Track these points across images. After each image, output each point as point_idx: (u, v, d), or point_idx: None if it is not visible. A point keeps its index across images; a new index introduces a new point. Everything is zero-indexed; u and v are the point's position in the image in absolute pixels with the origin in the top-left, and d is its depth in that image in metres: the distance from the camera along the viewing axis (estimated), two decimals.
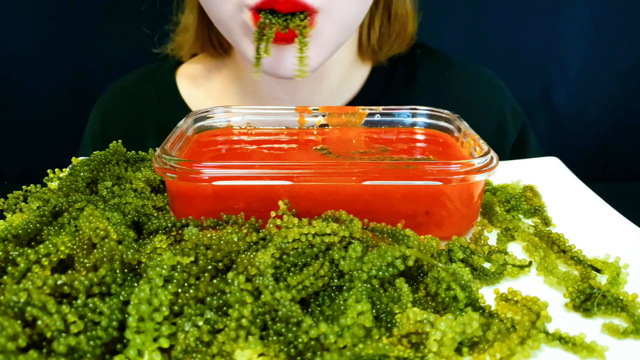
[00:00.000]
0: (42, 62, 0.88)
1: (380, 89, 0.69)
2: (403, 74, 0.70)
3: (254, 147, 0.47)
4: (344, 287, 0.31)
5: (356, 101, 0.68)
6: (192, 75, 0.71)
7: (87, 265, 0.30)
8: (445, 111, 0.49)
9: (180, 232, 0.36)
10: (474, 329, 0.28)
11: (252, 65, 0.53)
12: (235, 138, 0.49)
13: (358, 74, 0.69)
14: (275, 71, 0.54)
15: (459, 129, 0.47)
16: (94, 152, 0.45)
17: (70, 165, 0.46)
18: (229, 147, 0.48)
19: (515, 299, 0.32)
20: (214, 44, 0.67)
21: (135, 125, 0.71)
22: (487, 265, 0.37)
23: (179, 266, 0.30)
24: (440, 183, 0.37)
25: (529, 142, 0.74)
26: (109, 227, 0.33)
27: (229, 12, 0.52)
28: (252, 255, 0.31)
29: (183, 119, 0.47)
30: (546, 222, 0.43)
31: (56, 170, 0.46)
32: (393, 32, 0.66)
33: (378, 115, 0.50)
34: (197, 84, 0.70)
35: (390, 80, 0.69)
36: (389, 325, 0.30)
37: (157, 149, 0.41)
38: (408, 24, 0.67)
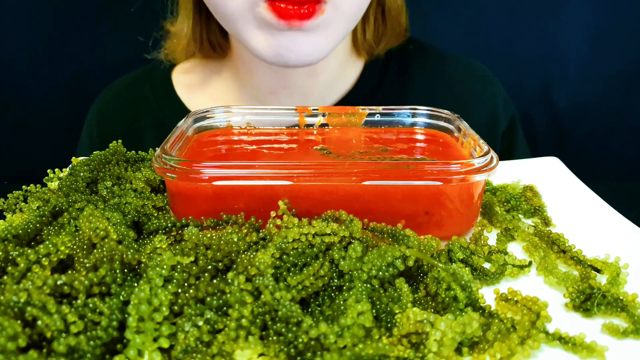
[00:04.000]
0: (42, 62, 0.88)
1: (375, 83, 0.70)
2: (396, 68, 0.71)
3: (254, 147, 0.47)
4: (344, 287, 0.31)
5: (351, 95, 0.69)
6: (188, 74, 0.71)
7: (87, 265, 0.30)
8: (445, 111, 0.49)
9: (180, 232, 0.36)
10: (474, 329, 0.28)
11: (255, 58, 0.53)
12: (235, 138, 0.49)
13: (352, 68, 0.70)
14: (285, 59, 0.54)
15: (459, 129, 0.47)
16: (94, 152, 0.45)
17: (70, 165, 0.46)
18: (229, 147, 0.48)
19: (515, 299, 0.32)
20: (213, 46, 0.67)
21: (132, 125, 0.71)
22: (487, 265, 0.37)
23: (179, 266, 0.30)
24: (440, 183, 0.37)
25: (517, 134, 0.75)
26: (109, 227, 0.33)
27: (240, 6, 0.53)
28: (252, 255, 0.31)
29: (183, 119, 0.47)
30: (546, 222, 0.43)
31: (56, 170, 0.46)
32: (389, 27, 0.67)
33: (378, 115, 0.50)
34: (193, 82, 0.71)
35: (384, 74, 0.70)
36: (389, 325, 0.30)
37: (157, 149, 0.41)
38: (401, 17, 0.68)
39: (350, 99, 0.68)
